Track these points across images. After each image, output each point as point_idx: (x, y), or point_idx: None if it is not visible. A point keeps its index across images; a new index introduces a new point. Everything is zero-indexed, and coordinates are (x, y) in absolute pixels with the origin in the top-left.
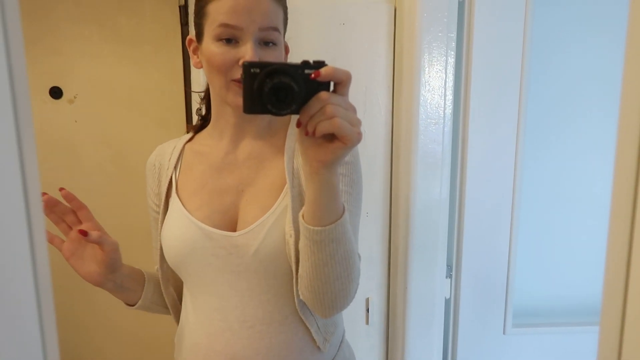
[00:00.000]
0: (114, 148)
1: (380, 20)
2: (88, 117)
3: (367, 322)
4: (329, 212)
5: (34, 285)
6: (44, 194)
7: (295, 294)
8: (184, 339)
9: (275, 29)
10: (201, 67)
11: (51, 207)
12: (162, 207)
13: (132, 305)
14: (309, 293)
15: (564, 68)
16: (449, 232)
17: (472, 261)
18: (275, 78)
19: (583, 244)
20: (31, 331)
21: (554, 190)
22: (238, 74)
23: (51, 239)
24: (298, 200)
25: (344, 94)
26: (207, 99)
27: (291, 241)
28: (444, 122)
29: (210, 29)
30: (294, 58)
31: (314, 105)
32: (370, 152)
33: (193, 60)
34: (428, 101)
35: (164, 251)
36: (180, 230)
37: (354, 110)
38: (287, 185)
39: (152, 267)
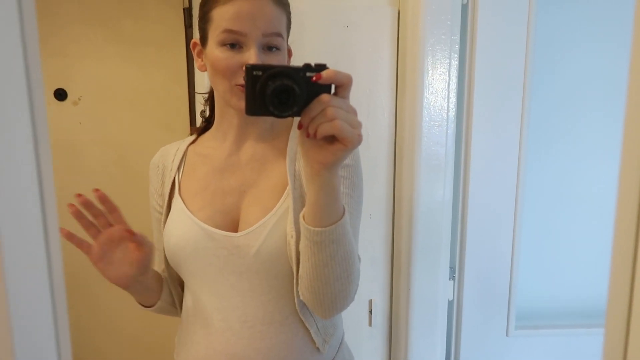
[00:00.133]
0: (118, 150)
1: (384, 23)
2: (92, 119)
3: (370, 324)
4: (329, 213)
5: (49, 288)
6: (79, 195)
7: (295, 294)
8: (185, 338)
9: (279, 35)
10: (205, 70)
11: (86, 208)
12: (164, 207)
13: (150, 307)
14: (309, 293)
15: (567, 70)
16: (452, 234)
17: (475, 263)
18: (277, 80)
19: (586, 246)
20: (47, 334)
21: (557, 192)
22: (242, 78)
23: (79, 244)
24: (299, 202)
25: (345, 97)
26: (210, 100)
27: (292, 242)
28: (447, 124)
29: (215, 34)
30: (297, 60)
31: (315, 107)
32: (374, 154)
33: (197, 63)
34: (431, 104)
35: (166, 251)
36: (182, 230)
37: (354, 112)
38: (289, 187)
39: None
